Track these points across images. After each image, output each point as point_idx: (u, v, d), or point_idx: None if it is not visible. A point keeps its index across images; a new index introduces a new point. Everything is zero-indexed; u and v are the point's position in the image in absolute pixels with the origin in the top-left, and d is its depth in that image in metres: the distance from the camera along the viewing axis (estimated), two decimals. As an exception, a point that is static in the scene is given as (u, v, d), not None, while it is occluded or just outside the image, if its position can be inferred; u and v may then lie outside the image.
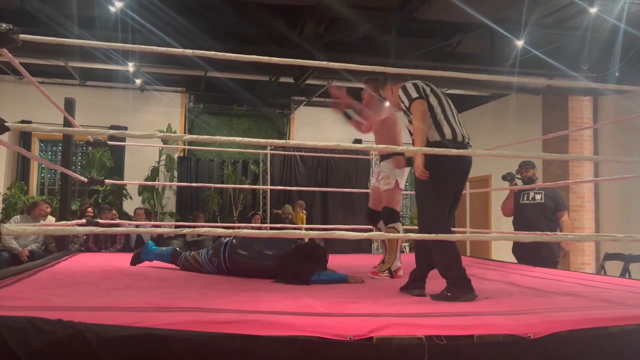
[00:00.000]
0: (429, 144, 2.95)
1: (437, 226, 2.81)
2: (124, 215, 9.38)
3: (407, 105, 3.04)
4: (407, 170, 4.13)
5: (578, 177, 8.74)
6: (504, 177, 5.56)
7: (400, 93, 3.09)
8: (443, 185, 2.97)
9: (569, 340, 2.05)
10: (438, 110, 3.04)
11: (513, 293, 3.11)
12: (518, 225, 5.38)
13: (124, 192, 10.06)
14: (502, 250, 9.80)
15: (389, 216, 4.04)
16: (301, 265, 3.37)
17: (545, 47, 7.50)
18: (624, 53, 7.45)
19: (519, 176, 5.51)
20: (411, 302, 2.69)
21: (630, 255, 5.90)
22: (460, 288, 2.79)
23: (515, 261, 5.27)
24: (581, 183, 8.74)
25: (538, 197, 5.26)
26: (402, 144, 4.22)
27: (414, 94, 3.03)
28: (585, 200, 8.90)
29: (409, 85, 3.09)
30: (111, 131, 2.41)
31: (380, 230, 4.18)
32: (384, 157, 4.21)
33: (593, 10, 6.58)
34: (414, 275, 3.09)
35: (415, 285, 3.04)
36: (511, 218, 5.55)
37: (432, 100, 3.05)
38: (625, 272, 5.70)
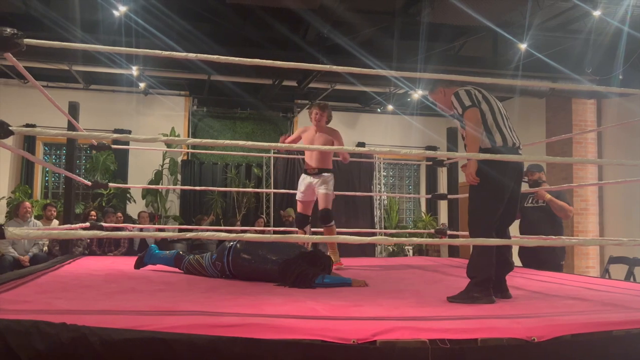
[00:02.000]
0: (480, 150, 3.01)
1: (486, 232, 2.92)
2: (127, 219, 9.40)
3: (461, 113, 3.06)
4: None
5: (582, 181, 8.72)
6: None
7: (454, 99, 3.13)
8: (493, 190, 3.01)
9: (573, 344, 2.04)
10: (489, 116, 3.08)
11: (517, 296, 3.10)
12: (522, 229, 5.35)
13: (128, 195, 10.08)
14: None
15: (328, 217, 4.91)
16: (305, 269, 3.37)
17: (549, 50, 7.50)
18: (627, 56, 7.44)
19: (525, 179, 5.40)
20: (415, 305, 2.69)
21: (635, 258, 5.87)
22: (483, 289, 2.85)
23: (520, 264, 5.26)
24: (585, 186, 8.71)
25: (542, 200, 5.21)
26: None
27: (467, 102, 3.06)
28: (590, 203, 8.88)
29: (462, 92, 3.12)
30: (115, 135, 2.43)
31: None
32: (319, 171, 5.04)
33: (596, 13, 6.58)
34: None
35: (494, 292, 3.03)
36: (518, 221, 5.53)
37: (484, 106, 3.09)
38: (629, 276, 5.67)
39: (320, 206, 4.91)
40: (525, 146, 7.87)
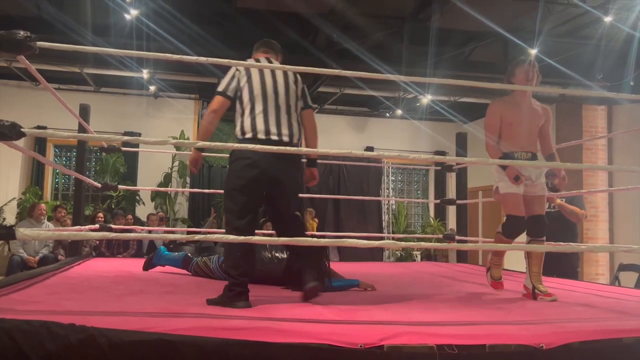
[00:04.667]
0: (235, 140, 2.87)
1: (231, 229, 2.75)
2: (136, 221, 9.45)
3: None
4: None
5: (592, 187, 8.67)
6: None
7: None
8: (230, 187, 2.84)
9: (581, 351, 2.02)
10: (246, 99, 2.87)
11: (525, 303, 3.08)
12: None
13: (137, 197, 10.13)
14: (515, 260, 9.71)
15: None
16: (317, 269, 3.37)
17: (559, 56, 7.47)
18: (638, 62, 7.40)
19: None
20: (423, 310, 2.68)
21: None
22: (236, 294, 2.66)
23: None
24: (595, 193, 8.66)
25: (554, 205, 5.08)
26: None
27: (220, 87, 2.89)
28: (600, 210, 8.82)
29: (231, 70, 2.93)
30: (125, 137, 2.45)
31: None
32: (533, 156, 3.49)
33: (608, 19, 6.55)
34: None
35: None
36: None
37: (246, 90, 2.88)
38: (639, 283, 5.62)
39: (540, 210, 3.42)
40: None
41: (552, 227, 4.91)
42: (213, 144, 2.63)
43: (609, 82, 7.85)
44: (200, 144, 2.55)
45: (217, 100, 2.90)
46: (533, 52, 7.32)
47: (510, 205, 3.35)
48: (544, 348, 1.95)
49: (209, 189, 10.00)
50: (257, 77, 2.91)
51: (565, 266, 4.90)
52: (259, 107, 2.85)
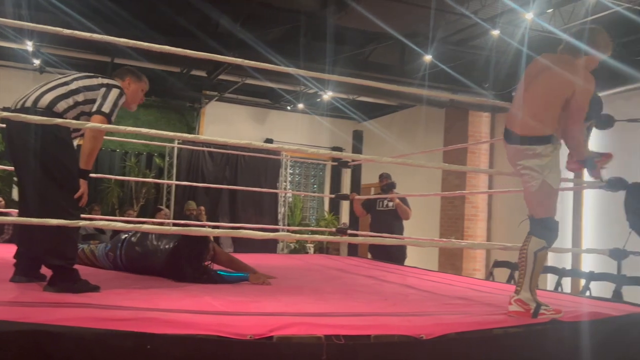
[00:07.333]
0: None
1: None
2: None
3: None
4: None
5: (474, 188, 9.25)
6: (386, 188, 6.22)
7: None
8: None
9: (457, 341, 2.17)
10: None
11: (409, 295, 3.24)
12: (375, 228, 6.04)
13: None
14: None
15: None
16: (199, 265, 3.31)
17: (452, 63, 7.88)
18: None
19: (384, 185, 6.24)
20: (312, 301, 2.73)
21: (517, 263, 6.34)
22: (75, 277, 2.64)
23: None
24: (476, 194, 9.25)
25: (391, 204, 6.05)
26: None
27: None
28: (480, 210, 9.45)
29: None
30: (4, 113, 2.26)
31: None
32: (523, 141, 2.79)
33: (495, 32, 7.00)
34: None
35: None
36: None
37: None
38: (511, 279, 6.08)
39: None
40: (425, 153, 8.25)
41: (392, 222, 6.03)
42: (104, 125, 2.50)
43: (495, 91, 8.41)
44: (89, 125, 2.41)
45: None
46: (428, 57, 7.67)
47: (554, 205, 2.71)
48: (424, 338, 2.07)
49: (95, 173, 9.49)
50: None
51: (400, 255, 5.97)
52: None
